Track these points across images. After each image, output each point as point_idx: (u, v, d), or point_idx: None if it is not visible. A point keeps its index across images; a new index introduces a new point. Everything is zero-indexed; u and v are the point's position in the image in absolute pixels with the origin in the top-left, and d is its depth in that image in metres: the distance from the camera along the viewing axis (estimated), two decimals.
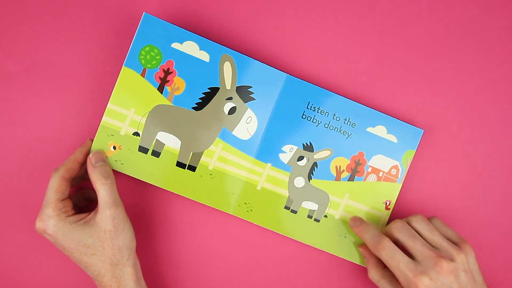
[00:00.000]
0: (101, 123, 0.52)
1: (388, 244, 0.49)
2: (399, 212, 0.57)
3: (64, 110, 0.56)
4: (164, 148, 0.53)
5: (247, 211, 0.55)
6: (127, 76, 0.52)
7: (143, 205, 0.56)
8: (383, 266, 0.53)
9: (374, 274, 0.52)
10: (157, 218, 0.57)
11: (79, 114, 0.56)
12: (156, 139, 0.53)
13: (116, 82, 0.52)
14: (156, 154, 0.53)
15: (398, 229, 0.50)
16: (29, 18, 0.55)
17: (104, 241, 0.49)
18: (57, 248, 0.51)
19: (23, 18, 0.55)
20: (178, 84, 0.53)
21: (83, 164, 0.52)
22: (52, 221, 0.49)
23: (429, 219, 0.53)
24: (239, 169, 0.54)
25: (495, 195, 0.57)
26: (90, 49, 0.56)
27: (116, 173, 0.52)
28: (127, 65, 0.52)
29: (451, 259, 0.48)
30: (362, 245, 0.54)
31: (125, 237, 0.50)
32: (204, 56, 0.53)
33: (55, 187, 0.50)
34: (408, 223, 0.51)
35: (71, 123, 0.56)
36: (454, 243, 0.50)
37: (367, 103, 0.56)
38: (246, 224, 0.56)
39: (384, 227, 0.55)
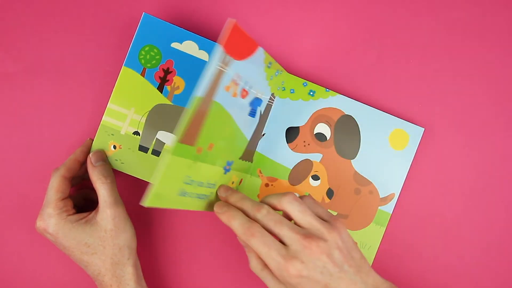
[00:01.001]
0: (101, 122, 0.52)
1: (258, 229, 0.45)
2: (399, 212, 0.57)
3: (64, 110, 0.56)
4: (164, 147, 0.53)
5: None
6: (127, 76, 0.52)
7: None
8: None
9: (255, 264, 0.48)
10: (157, 218, 0.57)
11: (79, 114, 0.56)
12: (156, 138, 0.53)
13: (116, 82, 0.52)
14: (156, 153, 0.53)
15: (265, 217, 0.46)
16: (29, 18, 0.55)
17: (105, 241, 0.49)
18: (58, 247, 0.51)
19: (23, 18, 0.55)
20: (177, 83, 0.53)
21: (84, 164, 0.52)
22: (52, 220, 0.49)
23: (301, 197, 0.48)
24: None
25: (495, 195, 0.57)
26: (90, 49, 0.56)
27: (117, 173, 0.52)
28: (127, 65, 0.52)
29: (322, 238, 0.45)
30: (223, 215, 0.47)
31: (126, 237, 0.50)
32: (204, 56, 0.53)
33: (56, 186, 0.50)
34: (279, 204, 0.47)
35: (71, 123, 0.56)
36: (325, 222, 0.46)
37: (368, 102, 0.56)
38: None
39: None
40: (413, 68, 0.57)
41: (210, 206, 0.49)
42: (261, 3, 0.56)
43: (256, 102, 0.51)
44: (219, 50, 0.41)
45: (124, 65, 0.52)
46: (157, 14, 0.56)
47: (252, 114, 0.52)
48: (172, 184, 0.44)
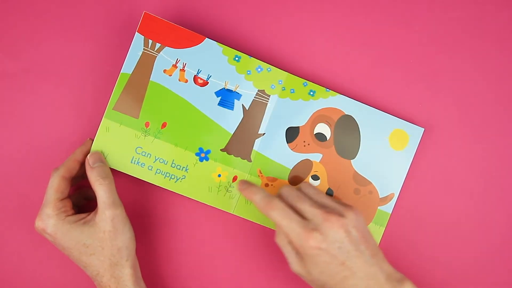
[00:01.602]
0: (101, 123, 0.52)
1: (278, 203, 0.48)
2: (399, 212, 0.57)
3: (64, 110, 0.56)
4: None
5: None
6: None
7: (143, 205, 0.56)
8: None
9: (282, 238, 0.50)
10: (157, 218, 0.57)
11: (79, 114, 0.56)
12: None
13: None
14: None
15: (286, 193, 0.50)
16: (29, 18, 0.55)
17: (103, 242, 0.49)
18: (57, 247, 0.51)
19: (23, 18, 0.55)
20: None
21: (83, 164, 0.52)
22: (51, 220, 0.49)
23: None
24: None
25: (495, 195, 0.57)
26: (90, 49, 0.56)
27: (116, 174, 0.52)
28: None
29: (340, 215, 0.47)
30: (245, 191, 0.52)
31: (124, 238, 0.50)
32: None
33: (55, 186, 0.50)
34: (297, 187, 0.51)
35: (71, 123, 0.56)
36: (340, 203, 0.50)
37: (368, 103, 0.56)
38: (247, 223, 0.56)
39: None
40: (413, 68, 0.57)
41: (184, 189, 0.54)
42: (261, 3, 0.56)
43: (226, 93, 0.53)
44: (136, 35, 0.52)
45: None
46: (158, 14, 0.56)
47: (226, 105, 0.53)
48: (119, 148, 0.52)
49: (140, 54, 0.52)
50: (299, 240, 0.47)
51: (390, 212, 0.55)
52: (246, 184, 0.52)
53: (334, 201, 0.50)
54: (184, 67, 0.53)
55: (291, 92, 0.54)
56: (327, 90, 0.54)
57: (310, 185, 0.52)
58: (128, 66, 0.52)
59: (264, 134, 0.54)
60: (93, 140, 0.53)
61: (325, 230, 0.46)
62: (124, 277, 0.50)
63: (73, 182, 0.52)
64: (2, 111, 0.55)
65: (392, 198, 0.55)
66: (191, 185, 0.54)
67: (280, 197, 0.50)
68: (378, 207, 0.55)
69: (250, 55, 0.54)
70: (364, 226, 0.49)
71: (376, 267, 0.47)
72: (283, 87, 0.54)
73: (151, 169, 0.53)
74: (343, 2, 0.57)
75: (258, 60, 0.54)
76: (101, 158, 0.52)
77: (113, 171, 0.52)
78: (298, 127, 0.55)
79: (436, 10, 0.57)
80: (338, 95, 0.55)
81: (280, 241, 0.50)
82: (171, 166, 0.53)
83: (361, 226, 0.48)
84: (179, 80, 0.53)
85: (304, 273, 0.49)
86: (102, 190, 0.49)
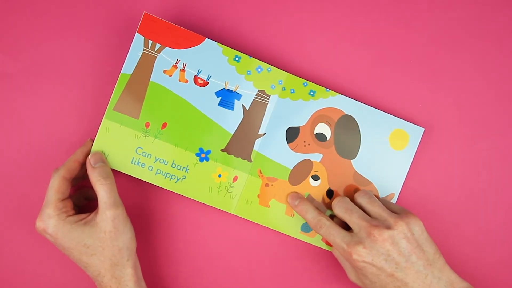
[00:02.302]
0: (101, 123, 0.52)
1: (325, 222, 0.50)
2: None
3: (64, 110, 0.56)
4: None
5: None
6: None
7: (143, 205, 0.56)
8: None
9: (336, 251, 0.52)
10: (158, 218, 0.57)
11: (79, 114, 0.56)
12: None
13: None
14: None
15: (336, 205, 0.51)
16: (29, 18, 0.55)
17: (104, 242, 0.49)
18: (57, 247, 0.51)
19: (23, 18, 0.55)
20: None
21: (84, 164, 0.52)
22: (52, 221, 0.49)
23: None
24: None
25: (495, 195, 0.57)
26: (90, 49, 0.56)
27: (116, 174, 0.52)
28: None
29: (388, 227, 0.47)
30: (297, 207, 0.54)
31: (125, 238, 0.50)
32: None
33: (56, 187, 0.50)
34: (353, 198, 0.52)
35: (71, 123, 0.56)
36: (395, 214, 0.50)
37: (368, 103, 0.56)
38: (247, 223, 0.56)
39: None
40: (413, 68, 0.57)
41: (184, 189, 0.54)
42: (261, 3, 0.56)
43: (226, 93, 0.53)
44: (136, 36, 0.52)
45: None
46: (158, 14, 0.56)
47: (226, 105, 0.53)
48: (119, 148, 0.52)
49: (140, 54, 0.52)
50: (345, 254, 0.49)
51: None
52: (297, 199, 0.53)
53: (385, 210, 0.49)
54: (184, 67, 0.53)
55: (291, 92, 0.54)
56: (327, 90, 0.54)
57: (366, 193, 0.52)
58: (128, 66, 0.52)
59: (264, 134, 0.54)
60: (93, 141, 0.53)
61: (369, 244, 0.47)
62: (125, 277, 0.50)
63: (73, 182, 0.52)
64: (2, 111, 0.55)
65: (392, 198, 0.55)
66: (192, 185, 0.54)
67: (332, 209, 0.52)
68: None
69: (250, 55, 0.54)
70: (421, 234, 0.48)
71: (432, 276, 0.47)
72: (283, 87, 0.54)
73: (151, 170, 0.53)
74: (343, 2, 0.57)
75: (258, 60, 0.54)
76: (103, 158, 0.52)
77: (114, 171, 0.52)
78: (298, 127, 0.55)
79: (436, 10, 0.57)
80: (338, 95, 0.55)
81: (335, 253, 0.52)
82: (172, 166, 0.53)
83: (415, 236, 0.48)
84: (179, 81, 0.53)
85: (360, 283, 0.51)
86: (103, 190, 0.49)
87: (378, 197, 0.54)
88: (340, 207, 0.51)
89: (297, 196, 0.54)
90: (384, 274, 0.47)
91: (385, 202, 0.53)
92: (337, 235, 0.49)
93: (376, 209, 0.50)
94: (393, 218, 0.48)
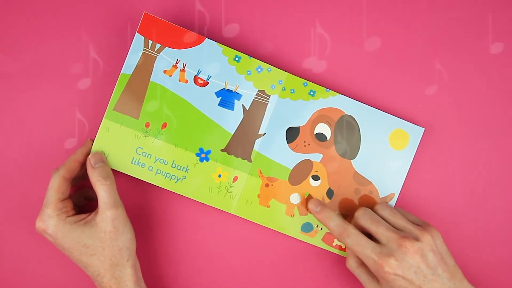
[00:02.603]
0: (101, 123, 0.52)
1: (352, 231, 0.49)
2: None
3: (64, 110, 0.56)
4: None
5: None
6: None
7: (143, 206, 0.56)
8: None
9: (352, 262, 0.52)
10: (157, 218, 0.57)
11: (79, 114, 0.56)
12: None
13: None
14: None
15: (362, 216, 0.51)
16: (29, 18, 0.55)
17: (104, 242, 0.49)
18: (57, 248, 0.51)
19: (23, 18, 0.55)
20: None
21: (84, 164, 0.52)
22: (52, 221, 0.49)
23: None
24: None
25: (495, 195, 0.57)
26: (90, 49, 0.56)
27: (117, 174, 0.52)
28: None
29: (416, 239, 0.48)
30: (319, 215, 0.53)
31: (125, 239, 0.50)
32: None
33: (56, 187, 0.50)
34: (373, 211, 0.52)
35: (71, 123, 0.56)
36: (418, 226, 0.50)
37: (368, 103, 0.56)
38: (247, 223, 0.56)
39: None
40: (413, 68, 0.57)
41: (184, 189, 0.54)
42: (261, 3, 0.56)
43: (226, 93, 0.53)
44: (136, 36, 0.52)
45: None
46: (158, 14, 0.56)
47: (226, 105, 0.53)
48: (119, 148, 0.52)
49: (140, 54, 0.52)
50: (375, 266, 0.48)
51: None
52: (319, 206, 0.52)
53: (409, 223, 0.50)
54: (184, 67, 0.53)
55: (291, 92, 0.54)
56: (327, 90, 0.54)
57: (386, 205, 0.52)
58: (128, 66, 0.52)
59: (264, 134, 0.54)
60: (93, 141, 0.53)
61: (400, 255, 0.47)
62: (125, 278, 0.50)
63: (73, 182, 0.52)
64: (2, 111, 0.55)
65: (392, 198, 0.55)
66: (192, 185, 0.54)
67: (355, 219, 0.51)
68: None
69: (250, 55, 0.54)
70: (442, 247, 0.49)
71: None
72: (283, 87, 0.54)
73: (151, 170, 0.53)
74: (343, 2, 0.57)
75: (258, 60, 0.54)
76: (103, 159, 0.52)
77: (114, 171, 0.52)
78: (298, 127, 0.55)
79: (436, 10, 0.57)
80: (338, 95, 0.55)
81: (351, 265, 0.52)
82: (172, 166, 0.53)
83: (438, 248, 0.48)
84: (179, 81, 0.53)
85: None
86: (103, 190, 0.49)
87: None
88: (366, 219, 0.50)
89: (318, 202, 0.53)
90: (412, 287, 0.47)
91: (403, 213, 0.53)
92: (366, 245, 0.48)
93: (399, 221, 0.50)
94: (419, 230, 0.49)
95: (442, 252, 0.49)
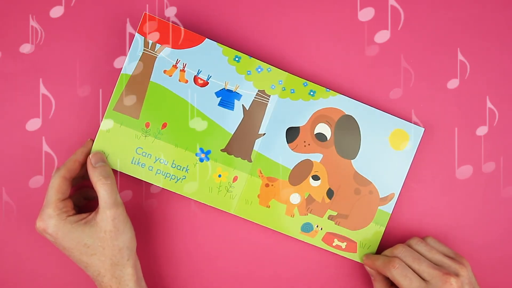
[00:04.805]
0: (102, 123, 0.52)
1: (400, 263, 0.51)
2: (399, 212, 0.57)
3: (64, 110, 0.56)
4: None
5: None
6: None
7: (143, 205, 0.56)
8: (389, 283, 0.54)
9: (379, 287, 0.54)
10: (157, 218, 0.57)
11: (79, 114, 0.56)
12: None
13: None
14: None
15: (402, 254, 0.52)
16: (29, 18, 0.55)
17: (104, 242, 0.49)
18: (57, 247, 0.51)
19: (23, 18, 0.55)
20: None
21: (84, 165, 0.52)
22: (52, 221, 0.49)
23: (424, 238, 0.54)
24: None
25: (495, 195, 0.57)
26: (90, 49, 0.56)
27: (117, 174, 0.52)
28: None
29: (457, 275, 0.50)
30: (367, 261, 0.55)
31: (125, 238, 0.50)
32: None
33: (56, 187, 0.50)
34: (408, 245, 0.53)
35: (71, 123, 0.56)
36: (452, 259, 0.52)
37: (368, 103, 0.56)
38: (247, 224, 0.56)
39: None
40: (413, 68, 0.57)
41: (184, 189, 0.54)
42: (261, 3, 0.56)
43: (226, 93, 0.53)
44: (136, 36, 0.52)
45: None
46: (158, 14, 0.56)
47: (226, 105, 0.53)
48: (119, 148, 0.53)
49: (140, 54, 0.52)
50: None
51: (390, 212, 0.55)
52: (370, 258, 0.54)
53: (446, 258, 0.51)
54: (184, 67, 0.53)
55: (291, 92, 0.54)
56: (327, 90, 0.55)
57: (420, 241, 0.53)
58: (128, 66, 0.52)
59: (264, 134, 0.54)
60: (93, 141, 0.53)
61: None
62: (125, 277, 0.50)
63: (73, 182, 0.52)
64: (2, 111, 0.55)
65: (392, 198, 0.55)
66: (191, 185, 0.54)
67: (397, 256, 0.52)
68: (378, 207, 0.55)
69: (250, 55, 0.54)
70: (474, 279, 0.52)
71: None
72: (283, 87, 0.54)
73: (151, 170, 0.53)
74: (343, 2, 0.57)
75: (258, 60, 0.54)
76: (103, 158, 0.52)
77: (114, 171, 0.52)
78: (298, 127, 0.55)
79: (436, 10, 0.57)
80: (338, 95, 0.55)
81: (372, 273, 0.54)
82: (172, 166, 0.53)
83: (473, 281, 0.51)
84: (179, 81, 0.53)
85: None
86: (104, 189, 0.49)
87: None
88: (407, 256, 0.52)
89: (370, 255, 0.55)
90: None
91: (436, 245, 0.54)
92: (414, 280, 0.50)
93: (436, 256, 0.52)
94: (456, 265, 0.51)
95: (473, 282, 0.51)
